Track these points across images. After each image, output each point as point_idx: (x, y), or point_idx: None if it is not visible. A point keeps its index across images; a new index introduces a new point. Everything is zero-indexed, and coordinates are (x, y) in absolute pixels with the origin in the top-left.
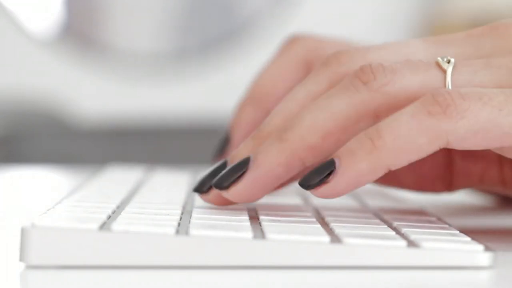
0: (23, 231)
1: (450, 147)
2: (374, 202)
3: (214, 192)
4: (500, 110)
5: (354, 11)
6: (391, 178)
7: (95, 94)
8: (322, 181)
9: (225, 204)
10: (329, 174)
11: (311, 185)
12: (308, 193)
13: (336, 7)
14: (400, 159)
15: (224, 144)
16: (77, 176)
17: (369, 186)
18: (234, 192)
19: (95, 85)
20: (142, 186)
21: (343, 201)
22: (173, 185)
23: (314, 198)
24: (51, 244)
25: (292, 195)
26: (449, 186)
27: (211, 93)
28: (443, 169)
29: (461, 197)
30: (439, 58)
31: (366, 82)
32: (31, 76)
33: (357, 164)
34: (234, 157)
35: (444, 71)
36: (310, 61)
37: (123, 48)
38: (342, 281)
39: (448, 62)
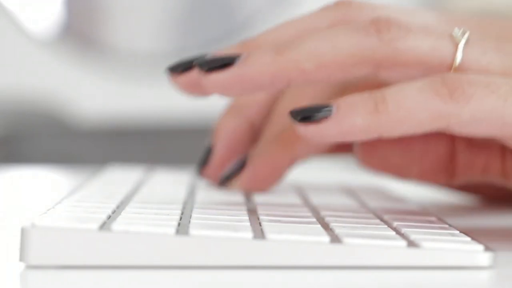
0: (23, 231)
1: (448, 130)
2: (374, 202)
3: (188, 75)
4: (505, 100)
5: None
6: (395, 168)
7: (95, 94)
8: (314, 119)
9: (190, 92)
10: (324, 116)
11: (302, 119)
12: (308, 193)
13: None
14: (396, 130)
15: (207, 155)
16: (77, 176)
17: (369, 185)
18: (212, 79)
19: (95, 85)
20: (142, 186)
21: (343, 201)
22: (173, 185)
23: (314, 198)
24: (51, 244)
25: (292, 195)
26: (451, 177)
27: None
28: (446, 161)
29: (461, 197)
30: (455, 29)
31: (379, 30)
32: (31, 76)
33: (353, 118)
34: (219, 52)
35: (456, 44)
36: None
37: (123, 48)
38: (342, 281)
39: (463, 34)
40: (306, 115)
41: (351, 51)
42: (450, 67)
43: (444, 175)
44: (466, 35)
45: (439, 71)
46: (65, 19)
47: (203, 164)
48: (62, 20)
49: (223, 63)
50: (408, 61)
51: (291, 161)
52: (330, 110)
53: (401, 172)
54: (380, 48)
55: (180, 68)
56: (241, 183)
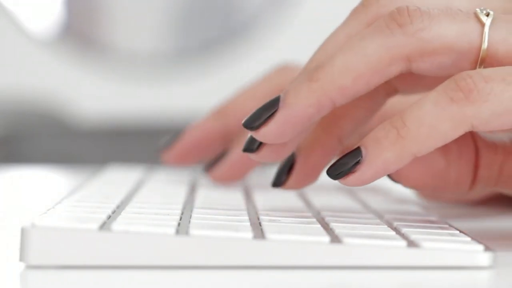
0: (23, 231)
1: (475, 130)
2: (374, 202)
3: (271, 127)
4: None
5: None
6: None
7: (95, 94)
8: (349, 170)
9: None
10: (356, 163)
11: (338, 175)
12: (308, 193)
13: (336, 7)
14: (426, 146)
15: (173, 139)
16: (77, 176)
17: (369, 186)
18: (264, 133)
19: (95, 85)
20: (142, 186)
21: (343, 201)
22: (173, 185)
23: (314, 198)
24: (51, 244)
25: (292, 195)
26: (474, 181)
27: (211, 93)
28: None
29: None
30: (477, 10)
31: (402, 25)
32: (31, 76)
33: (383, 154)
34: (287, 98)
35: (483, 24)
36: None
37: (123, 48)
38: (342, 281)
39: (487, 15)
40: (340, 171)
41: (380, 54)
42: (478, 49)
43: (471, 178)
44: (491, 15)
45: (469, 54)
46: (65, 19)
47: (166, 147)
48: (62, 20)
49: (267, 116)
50: (437, 50)
51: (340, 142)
52: (360, 157)
53: (443, 179)
54: (407, 43)
55: (257, 123)
56: (296, 178)
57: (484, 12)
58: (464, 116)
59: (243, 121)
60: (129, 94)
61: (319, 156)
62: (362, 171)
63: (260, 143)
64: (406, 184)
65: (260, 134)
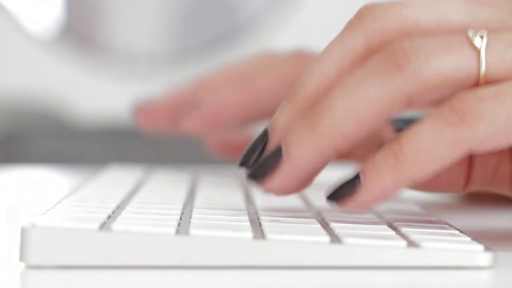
0: (23, 231)
1: (473, 152)
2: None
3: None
4: None
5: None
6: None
7: (95, 94)
8: (347, 195)
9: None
10: (355, 188)
11: (337, 200)
12: (308, 193)
13: (337, 7)
14: (423, 172)
15: (147, 102)
16: (77, 176)
17: None
18: (271, 187)
19: (95, 85)
20: (142, 186)
21: None
22: (173, 185)
23: (314, 199)
24: (51, 244)
25: (292, 195)
26: (467, 181)
27: None
28: (467, 160)
29: (461, 197)
30: (470, 33)
31: (399, 67)
32: (31, 76)
33: (381, 180)
34: (275, 125)
35: (478, 51)
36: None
37: (123, 48)
38: (342, 281)
39: (481, 37)
40: (339, 196)
41: (381, 98)
42: (477, 75)
43: (464, 178)
44: (485, 36)
45: (468, 82)
46: (65, 19)
47: (138, 108)
48: (62, 20)
49: (270, 168)
50: (436, 85)
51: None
52: (359, 182)
53: (435, 178)
54: (406, 85)
55: (249, 163)
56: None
57: (478, 34)
58: (460, 139)
59: (248, 173)
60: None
61: (315, 163)
62: (360, 197)
63: (267, 174)
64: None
65: (267, 188)
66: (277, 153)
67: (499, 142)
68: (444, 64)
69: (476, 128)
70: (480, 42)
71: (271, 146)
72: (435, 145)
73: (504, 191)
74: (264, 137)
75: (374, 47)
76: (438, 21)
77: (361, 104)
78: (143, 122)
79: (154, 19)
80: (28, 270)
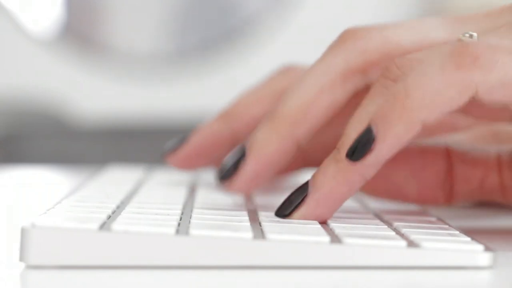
0: (23, 231)
1: (478, 98)
2: (374, 203)
3: (239, 179)
4: None
5: (355, 11)
6: (395, 192)
7: (95, 94)
8: (366, 152)
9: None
10: (371, 142)
11: (357, 157)
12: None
13: (336, 7)
14: (433, 114)
15: (179, 143)
16: (77, 176)
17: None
18: (298, 216)
19: (95, 85)
20: (142, 186)
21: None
22: (173, 185)
23: None
24: (51, 244)
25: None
26: (450, 195)
27: (211, 93)
28: (444, 175)
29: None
30: (461, 36)
31: (395, 79)
32: (31, 76)
33: (393, 128)
34: (253, 143)
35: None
36: None
37: (123, 48)
38: (342, 281)
39: (470, 37)
40: (358, 154)
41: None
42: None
43: (443, 192)
44: (474, 37)
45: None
46: (65, 19)
47: (171, 151)
48: (62, 20)
49: (298, 201)
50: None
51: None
52: (372, 134)
53: (401, 192)
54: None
55: (228, 176)
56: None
57: (467, 35)
58: (471, 82)
59: (275, 212)
60: (129, 94)
61: (343, 189)
62: (378, 149)
63: (296, 208)
64: (366, 193)
65: (296, 217)
66: (304, 188)
67: (505, 94)
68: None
69: (488, 74)
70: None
71: (248, 162)
72: (445, 87)
73: (497, 200)
74: (241, 153)
75: (355, 68)
76: (419, 41)
77: (360, 124)
78: (176, 164)
79: (154, 19)
80: (28, 270)
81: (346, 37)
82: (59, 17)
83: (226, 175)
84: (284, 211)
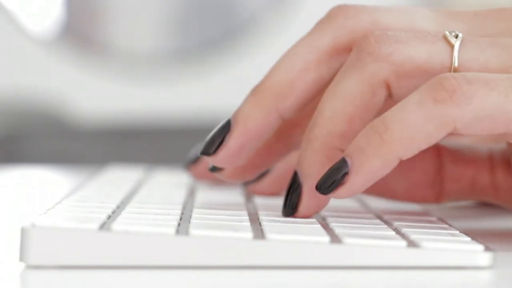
0: (23, 231)
1: (456, 132)
2: (374, 203)
3: (223, 153)
4: (506, 96)
5: None
6: (383, 188)
7: (95, 94)
8: (338, 183)
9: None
10: (344, 174)
11: (329, 189)
12: None
13: None
14: (410, 149)
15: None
16: (77, 176)
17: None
18: (302, 212)
19: (95, 85)
20: (142, 186)
21: (343, 201)
22: (173, 185)
23: None
24: (51, 244)
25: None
26: (440, 194)
27: (211, 93)
28: (434, 174)
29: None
30: (446, 32)
31: (371, 53)
32: (31, 76)
33: (368, 161)
34: (237, 116)
35: (452, 46)
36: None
37: (123, 48)
38: (342, 281)
39: (456, 36)
40: (329, 185)
41: (361, 89)
42: (449, 70)
43: (432, 191)
44: (459, 37)
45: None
46: (65, 19)
47: (193, 161)
48: (62, 20)
49: (294, 192)
50: (409, 72)
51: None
52: (346, 169)
53: (390, 192)
54: (380, 69)
55: (211, 150)
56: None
57: (453, 34)
58: (448, 117)
59: (285, 212)
60: (129, 94)
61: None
62: (350, 182)
63: (218, 147)
64: None
65: (299, 212)
66: (295, 178)
67: (483, 128)
68: (416, 51)
69: (465, 108)
70: (454, 40)
71: (233, 136)
72: (422, 121)
73: (488, 200)
74: (226, 127)
75: (342, 46)
76: (407, 28)
77: (345, 101)
78: (198, 176)
79: (154, 19)
80: (28, 270)
81: (336, 14)
82: (59, 17)
83: (211, 149)
84: (289, 211)
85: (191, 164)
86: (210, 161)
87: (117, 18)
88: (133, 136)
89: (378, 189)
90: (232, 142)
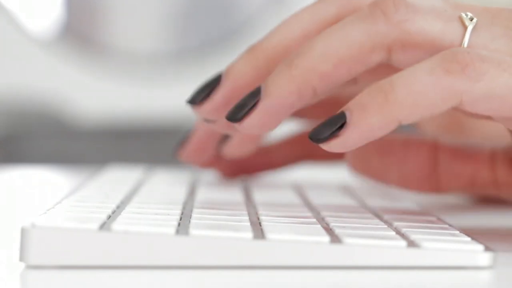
0: (23, 231)
1: (461, 107)
2: (374, 202)
3: (208, 104)
4: None
5: None
6: (376, 172)
7: (95, 94)
8: (332, 135)
9: (213, 117)
10: (340, 127)
11: (321, 139)
12: (307, 193)
13: None
14: (412, 114)
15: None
16: (77, 176)
17: (369, 186)
18: (247, 125)
19: (95, 85)
20: (142, 186)
21: (343, 201)
22: (173, 185)
23: (314, 198)
24: (51, 244)
25: (292, 195)
26: (437, 187)
27: None
28: (428, 169)
29: (461, 197)
30: (462, 14)
31: (386, 13)
32: (31, 76)
33: (368, 118)
34: (230, 71)
35: (465, 27)
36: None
37: (123, 48)
38: (342, 281)
39: (471, 20)
40: (323, 135)
41: (362, 40)
42: None
43: (428, 184)
44: (474, 20)
45: None
46: (65, 19)
47: (180, 146)
48: (62, 20)
49: (248, 108)
50: (418, 43)
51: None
52: (344, 119)
53: (381, 176)
54: (389, 32)
55: (197, 100)
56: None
57: (469, 16)
58: (456, 89)
59: (226, 115)
60: (129, 94)
61: (292, 100)
62: (346, 136)
63: (246, 114)
64: (349, 170)
65: (244, 126)
66: (257, 92)
67: (490, 107)
68: (430, 25)
69: (475, 84)
70: (469, 23)
71: (220, 89)
72: (430, 90)
73: (491, 193)
74: (216, 80)
75: (344, 17)
76: (429, 5)
77: (341, 44)
78: (185, 158)
79: (154, 19)
80: (28, 270)
81: None
82: (59, 17)
83: (197, 99)
84: (236, 115)
85: (178, 148)
86: (194, 110)
87: (117, 18)
88: (133, 136)
89: (371, 172)
90: (218, 95)
